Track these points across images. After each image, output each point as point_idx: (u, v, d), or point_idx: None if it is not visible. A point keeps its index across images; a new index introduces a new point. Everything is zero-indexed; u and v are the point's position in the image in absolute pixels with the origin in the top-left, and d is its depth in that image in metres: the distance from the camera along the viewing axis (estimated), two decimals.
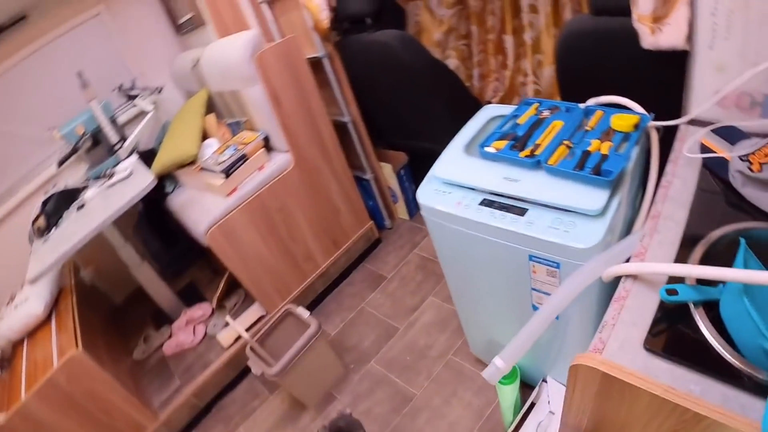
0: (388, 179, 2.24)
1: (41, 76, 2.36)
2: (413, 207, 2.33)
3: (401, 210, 2.33)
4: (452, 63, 2.21)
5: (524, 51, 2.09)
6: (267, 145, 1.89)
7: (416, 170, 2.27)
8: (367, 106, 2.09)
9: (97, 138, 2.14)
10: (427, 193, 1.21)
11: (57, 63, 2.37)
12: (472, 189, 1.13)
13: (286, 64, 1.77)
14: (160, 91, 2.19)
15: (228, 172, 1.75)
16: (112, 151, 2.12)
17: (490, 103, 2.23)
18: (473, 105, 2.01)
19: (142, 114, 2.39)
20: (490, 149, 1.13)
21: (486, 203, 1.09)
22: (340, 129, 2.07)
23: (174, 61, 2.46)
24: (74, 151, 2.13)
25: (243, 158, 1.79)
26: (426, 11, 2.18)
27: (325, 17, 1.79)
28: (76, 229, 1.69)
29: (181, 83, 2.45)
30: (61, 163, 2.12)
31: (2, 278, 2.36)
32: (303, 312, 1.71)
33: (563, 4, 1.91)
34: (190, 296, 2.31)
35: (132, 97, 2.19)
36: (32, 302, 2.00)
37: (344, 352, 1.88)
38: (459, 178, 1.15)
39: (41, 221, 1.89)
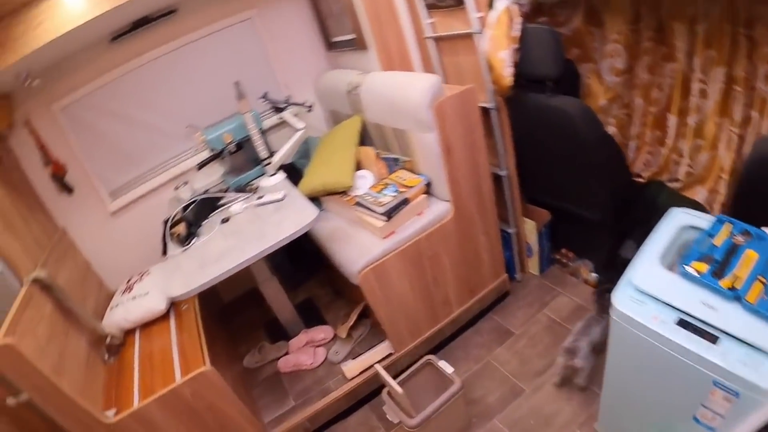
0: (528, 235, 2.60)
1: (185, 72, 2.80)
2: (546, 264, 2.69)
3: (533, 265, 2.70)
4: (610, 130, 2.55)
5: (685, 132, 2.40)
6: (427, 190, 2.27)
7: (556, 230, 2.64)
8: (521, 160, 2.45)
9: (240, 146, 2.55)
10: (623, 300, 1.50)
11: (202, 61, 2.81)
12: (669, 306, 1.43)
13: (462, 114, 2.12)
14: (310, 109, 2.57)
15: (390, 215, 2.14)
16: (256, 162, 2.52)
17: (639, 176, 2.57)
18: (628, 179, 2.35)
19: (283, 124, 2.81)
20: (691, 270, 1.45)
21: (682, 324, 1.38)
22: (494, 181, 2.41)
23: (321, 78, 2.86)
24: (217, 156, 2.55)
25: (405, 202, 2.17)
26: (595, 76, 2.52)
27: (508, 74, 2.13)
28: (224, 249, 2.04)
29: (326, 102, 2.85)
30: (201, 166, 2.54)
31: (120, 260, 2.85)
32: (446, 366, 2.08)
33: (735, 96, 2.21)
34: (309, 314, 2.74)
35: (279, 109, 2.59)
36: (154, 298, 2.41)
37: (468, 403, 2.22)
38: (657, 293, 1.45)
39: (181, 228, 2.27)
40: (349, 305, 2.72)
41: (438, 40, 2.41)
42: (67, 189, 2.70)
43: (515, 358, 2.38)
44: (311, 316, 2.75)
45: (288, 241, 1.94)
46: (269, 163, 2.45)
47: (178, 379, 1.95)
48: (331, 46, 2.90)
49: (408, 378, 2.12)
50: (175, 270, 2.08)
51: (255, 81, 2.81)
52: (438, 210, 2.24)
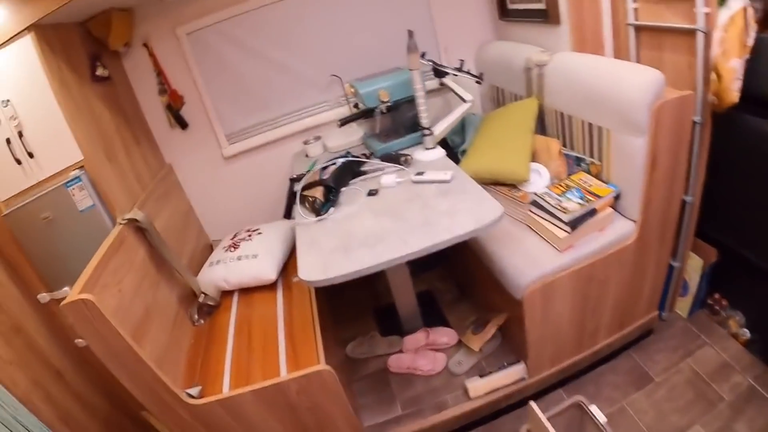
0: (689, 272, 2.28)
1: (334, 14, 2.47)
2: (696, 307, 2.38)
3: (683, 305, 2.38)
4: None
5: None
6: (612, 204, 1.93)
7: (719, 273, 2.32)
8: (708, 187, 2.12)
9: (393, 107, 2.21)
10: None
11: (356, 6, 2.48)
12: None
13: (676, 123, 1.78)
14: (480, 81, 2.23)
15: (575, 226, 1.81)
16: (411, 129, 2.19)
17: None
18: None
19: (439, 92, 2.48)
20: None
21: None
22: None
23: (485, 48, 2.52)
24: (365, 114, 2.21)
25: (592, 213, 1.83)
26: None
27: (736, 88, 1.80)
28: (377, 231, 1.69)
29: (487, 75, 2.48)
30: (344, 123, 2.21)
31: (227, 211, 2.60)
32: (598, 414, 1.75)
33: None
34: (428, 311, 2.42)
35: (440, 74, 2.24)
36: (264, 263, 2.10)
37: None
38: None
39: (319, 192, 1.91)
40: (476, 310, 2.42)
41: (640, 29, 2.05)
42: (180, 123, 2.42)
43: (652, 409, 2.08)
44: (431, 314, 2.44)
45: (464, 239, 1.59)
46: (430, 134, 2.11)
47: (284, 372, 1.70)
48: (505, 13, 2.54)
49: (551, 418, 1.81)
50: (308, 243, 1.73)
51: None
52: (621, 229, 1.90)
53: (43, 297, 1.99)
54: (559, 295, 1.85)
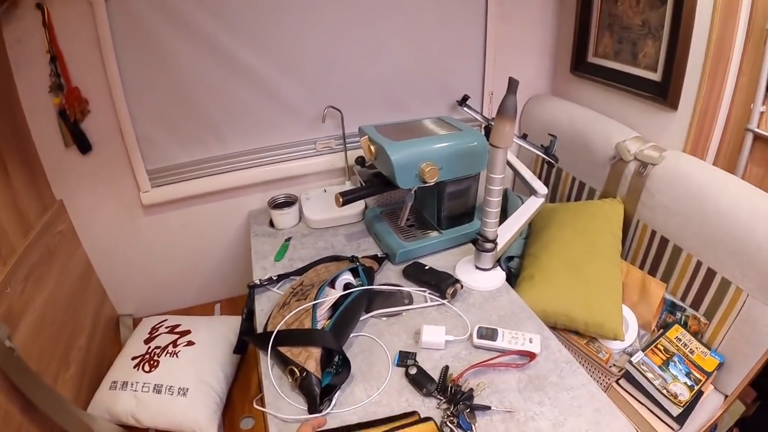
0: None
1: (351, 23, 1.75)
2: None
3: None
4: None
5: None
6: None
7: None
8: None
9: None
10: None
11: (389, 17, 1.76)
12: None
13: None
14: (554, 163, 1.59)
15: (684, 420, 1.33)
16: (450, 222, 1.52)
17: None
18: None
19: None
20: None
21: None
22: None
23: (539, 103, 1.94)
24: (382, 189, 1.49)
25: (698, 398, 1.37)
26: None
27: None
28: None
29: (536, 140, 1.84)
30: (348, 200, 1.46)
31: (141, 284, 1.92)
32: None
33: None
34: None
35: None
36: (197, 407, 1.44)
37: None
38: None
39: (312, 361, 1.08)
40: None
41: (759, 138, 1.55)
42: (80, 143, 1.54)
43: None
44: None
45: None
46: (492, 249, 1.41)
47: None
48: (582, 66, 1.88)
49: None
50: None
51: (452, 76, 1.81)
52: (709, 406, 1.46)
53: None
54: None
